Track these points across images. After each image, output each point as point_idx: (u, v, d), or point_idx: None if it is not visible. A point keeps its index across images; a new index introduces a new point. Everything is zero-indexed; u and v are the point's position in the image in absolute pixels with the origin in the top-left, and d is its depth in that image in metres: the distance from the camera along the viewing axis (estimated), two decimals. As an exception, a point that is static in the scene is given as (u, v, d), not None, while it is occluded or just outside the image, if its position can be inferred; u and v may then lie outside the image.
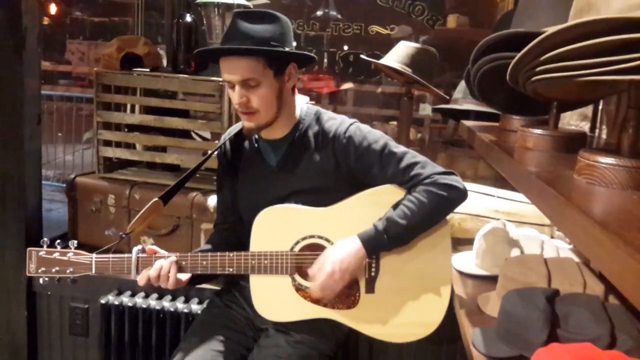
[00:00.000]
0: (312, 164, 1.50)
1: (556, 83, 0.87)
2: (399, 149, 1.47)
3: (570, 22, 0.74)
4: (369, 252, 1.44)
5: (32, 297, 2.13)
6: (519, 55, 0.83)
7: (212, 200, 2.01)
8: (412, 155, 1.46)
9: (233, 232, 1.64)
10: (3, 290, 2.11)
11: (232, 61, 1.39)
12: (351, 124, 1.50)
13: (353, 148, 1.47)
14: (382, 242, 1.42)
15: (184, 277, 1.49)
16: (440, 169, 1.45)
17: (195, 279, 1.54)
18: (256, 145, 1.58)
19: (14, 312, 2.12)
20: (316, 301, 1.49)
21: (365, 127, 1.51)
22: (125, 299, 1.96)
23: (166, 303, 1.95)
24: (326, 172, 1.50)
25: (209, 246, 1.61)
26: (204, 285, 1.74)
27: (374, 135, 1.48)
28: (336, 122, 1.52)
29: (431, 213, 1.42)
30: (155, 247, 1.49)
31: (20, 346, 2.14)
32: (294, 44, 1.49)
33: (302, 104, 1.58)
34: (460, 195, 1.43)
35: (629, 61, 0.66)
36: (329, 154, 1.49)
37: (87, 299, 2.09)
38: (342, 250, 1.42)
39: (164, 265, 1.44)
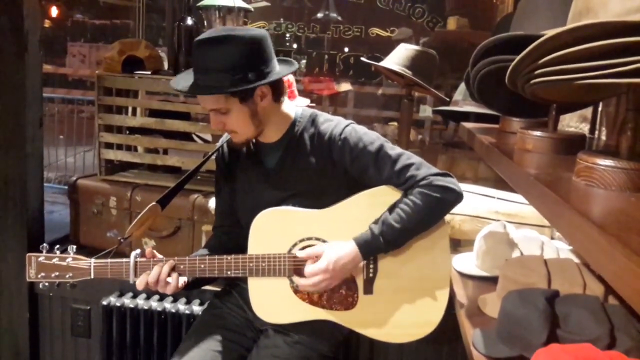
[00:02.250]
0: (308, 166, 1.51)
1: (554, 86, 0.87)
2: (394, 150, 1.47)
3: (568, 26, 0.75)
4: (365, 256, 1.45)
5: (34, 299, 2.13)
6: (517, 58, 0.84)
7: (213, 202, 2.01)
8: (407, 157, 1.46)
9: (231, 235, 1.65)
10: (5, 291, 2.12)
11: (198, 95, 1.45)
12: (347, 126, 1.50)
13: (349, 150, 1.47)
14: (378, 245, 1.43)
15: (181, 281, 1.49)
16: (436, 170, 1.45)
17: (192, 283, 1.54)
18: (253, 148, 1.59)
19: (16, 314, 2.13)
20: (314, 302, 1.50)
21: (361, 129, 1.51)
22: (127, 301, 1.97)
23: (167, 304, 1.96)
24: (322, 174, 1.50)
25: (206, 250, 1.61)
26: (204, 287, 1.75)
27: (370, 137, 1.49)
28: (332, 124, 1.52)
29: (427, 215, 1.43)
30: (154, 251, 1.50)
31: (23, 347, 2.15)
32: (271, 60, 1.44)
33: (298, 107, 1.59)
34: (455, 197, 1.43)
35: (627, 64, 0.67)
36: (325, 155, 1.50)
37: (88, 301, 2.09)
38: (339, 251, 1.43)
39: (163, 270, 1.45)
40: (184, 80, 1.45)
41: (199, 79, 1.39)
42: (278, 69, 1.45)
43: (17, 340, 2.15)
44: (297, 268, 1.48)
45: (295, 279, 1.48)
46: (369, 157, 1.46)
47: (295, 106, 1.58)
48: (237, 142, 1.50)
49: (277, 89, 1.47)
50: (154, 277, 1.44)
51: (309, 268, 1.43)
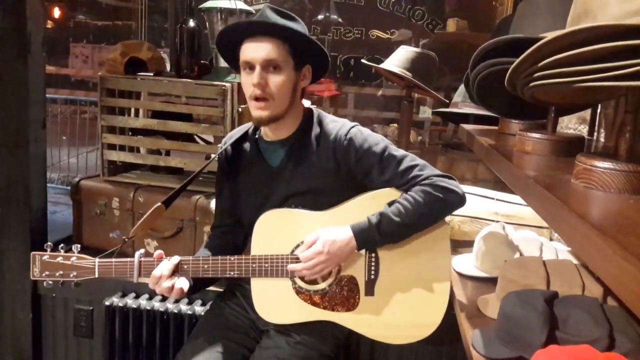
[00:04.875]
0: (312, 166, 1.52)
1: (553, 89, 0.88)
2: (398, 152, 1.49)
3: (567, 29, 0.76)
4: (360, 245, 1.44)
5: (37, 299, 2.14)
6: (516, 61, 0.85)
7: (215, 203, 2.02)
8: (411, 159, 1.48)
9: (231, 235, 1.66)
10: (8, 292, 2.13)
11: (258, 41, 1.42)
12: (352, 127, 1.52)
13: (354, 150, 1.48)
14: (373, 236, 1.43)
15: (182, 284, 1.48)
16: (439, 172, 1.47)
17: (195, 287, 1.54)
18: (257, 147, 1.59)
19: (19, 314, 2.13)
20: (316, 304, 1.51)
21: (365, 130, 1.53)
22: (129, 301, 1.98)
23: (170, 305, 1.97)
24: (327, 174, 1.51)
25: (207, 252, 1.62)
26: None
27: (375, 139, 1.50)
28: (337, 124, 1.53)
29: (426, 213, 1.43)
30: (162, 253, 1.50)
31: (25, 348, 2.15)
32: None
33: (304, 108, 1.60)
34: (457, 199, 1.44)
35: (626, 67, 0.68)
36: (330, 156, 1.51)
37: (91, 301, 2.10)
38: (334, 234, 1.43)
39: (166, 266, 1.45)
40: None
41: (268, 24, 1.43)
42: None
43: (20, 340, 2.15)
44: None
45: (298, 281, 1.49)
46: (374, 157, 1.47)
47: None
48: (262, 116, 1.45)
49: (309, 78, 1.54)
50: (158, 273, 1.44)
51: (304, 252, 1.43)
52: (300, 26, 1.47)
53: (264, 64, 1.41)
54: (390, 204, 1.45)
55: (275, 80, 1.42)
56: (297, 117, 1.54)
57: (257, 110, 1.45)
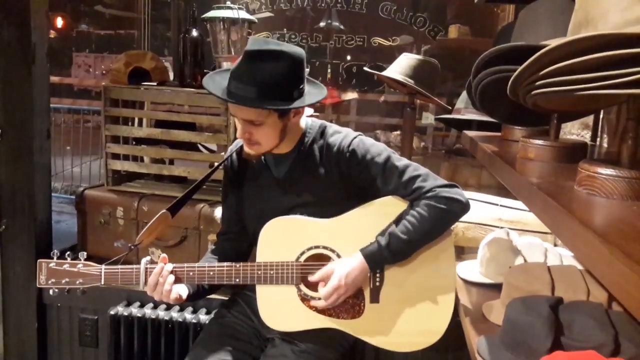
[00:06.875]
0: (317, 177, 1.53)
1: (556, 96, 0.89)
2: (401, 162, 1.49)
3: (569, 38, 0.76)
4: (372, 267, 1.47)
5: (42, 309, 2.15)
6: (518, 70, 0.85)
7: (219, 212, 2.02)
8: (414, 169, 1.48)
9: (235, 243, 1.67)
10: (14, 302, 2.14)
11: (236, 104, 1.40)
12: (354, 138, 1.52)
13: (357, 161, 1.49)
14: (384, 256, 1.45)
15: (183, 291, 1.50)
16: (442, 181, 1.47)
17: (194, 295, 1.55)
18: (262, 157, 1.60)
19: (24, 324, 2.14)
20: (321, 311, 1.51)
21: (368, 140, 1.53)
22: (134, 310, 1.98)
23: (174, 313, 1.97)
24: (331, 184, 1.52)
25: (214, 257, 1.63)
26: (211, 296, 1.76)
27: (377, 148, 1.51)
28: (340, 135, 1.54)
29: (433, 227, 1.44)
30: (166, 258, 1.51)
31: (31, 357, 2.16)
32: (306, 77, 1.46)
33: (307, 118, 1.61)
34: (462, 208, 1.45)
35: (627, 75, 0.68)
36: (333, 166, 1.51)
37: (96, 310, 2.11)
38: (347, 265, 1.45)
39: (162, 272, 1.46)
40: (218, 84, 1.41)
41: (245, 89, 1.35)
42: (308, 88, 1.47)
43: (25, 350, 2.16)
44: (304, 276, 1.49)
45: (304, 288, 1.50)
46: (376, 168, 1.48)
47: (305, 117, 1.60)
48: (253, 154, 1.50)
49: (304, 110, 1.51)
50: (154, 278, 1.46)
51: (323, 290, 1.45)
52: (284, 69, 1.35)
53: (244, 121, 1.42)
54: (396, 221, 1.46)
55: (259, 132, 1.43)
56: (294, 136, 1.54)
57: (246, 147, 1.49)
